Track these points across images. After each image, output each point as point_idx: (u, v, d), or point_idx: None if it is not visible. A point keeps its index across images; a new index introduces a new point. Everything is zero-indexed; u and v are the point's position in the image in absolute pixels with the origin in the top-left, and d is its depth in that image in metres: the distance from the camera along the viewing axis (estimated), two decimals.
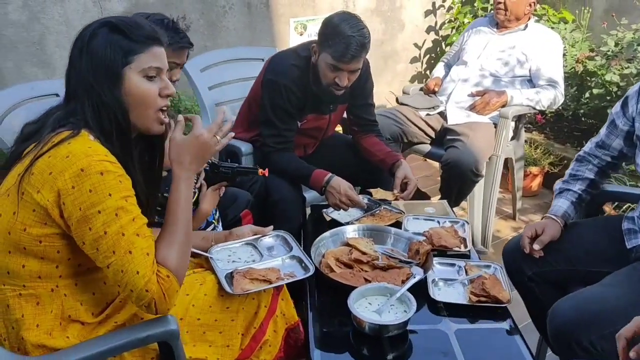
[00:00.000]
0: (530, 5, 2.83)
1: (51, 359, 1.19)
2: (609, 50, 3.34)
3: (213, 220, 1.90)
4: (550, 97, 2.75)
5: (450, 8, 4.29)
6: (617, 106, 1.73)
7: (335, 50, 2.02)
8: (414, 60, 4.39)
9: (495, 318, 1.60)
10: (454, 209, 2.78)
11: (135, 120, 1.26)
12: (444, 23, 4.33)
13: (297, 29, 3.43)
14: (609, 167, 1.82)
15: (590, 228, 1.80)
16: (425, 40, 4.36)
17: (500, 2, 2.81)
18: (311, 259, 1.67)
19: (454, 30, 4.14)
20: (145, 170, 1.36)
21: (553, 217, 1.77)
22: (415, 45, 4.34)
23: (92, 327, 1.26)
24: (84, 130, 1.18)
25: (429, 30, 4.34)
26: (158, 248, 1.23)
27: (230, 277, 1.51)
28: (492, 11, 2.94)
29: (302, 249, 1.72)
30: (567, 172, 1.87)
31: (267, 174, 1.81)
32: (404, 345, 1.51)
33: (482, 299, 1.62)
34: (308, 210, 2.28)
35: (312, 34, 3.44)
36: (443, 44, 4.36)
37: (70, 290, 1.25)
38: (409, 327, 1.54)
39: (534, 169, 3.45)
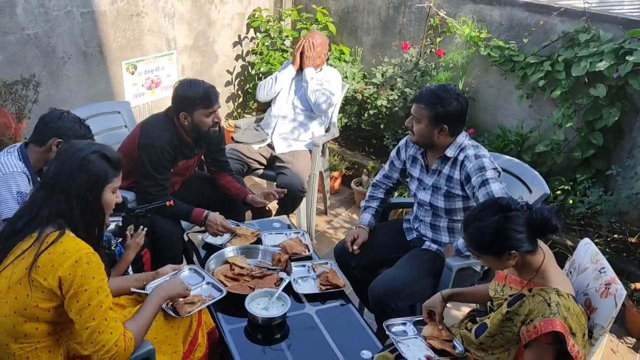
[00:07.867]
0: (324, 54, 3.75)
1: None
2: (378, 82, 4.48)
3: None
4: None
5: (253, 38, 5.08)
6: (394, 152, 2.72)
7: (204, 103, 2.73)
8: (228, 84, 5.10)
9: (337, 298, 2.48)
10: (289, 214, 3.65)
11: None
12: (249, 52, 5.11)
13: (129, 69, 3.88)
14: (392, 189, 2.83)
15: (385, 229, 2.80)
16: (235, 67, 5.09)
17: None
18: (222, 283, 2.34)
19: (257, 56, 4.99)
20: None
21: (362, 226, 2.73)
22: (228, 71, 5.05)
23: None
24: (67, 230, 1.71)
25: (237, 58, 5.08)
26: (132, 319, 1.84)
27: (167, 305, 2.10)
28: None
29: (212, 276, 2.38)
30: (367, 193, 2.84)
31: (173, 204, 2.54)
32: (284, 327, 2.30)
33: (328, 287, 2.50)
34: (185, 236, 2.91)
35: (142, 72, 3.93)
36: (250, 68, 5.16)
37: (69, 337, 1.78)
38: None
39: (335, 173, 4.48)
